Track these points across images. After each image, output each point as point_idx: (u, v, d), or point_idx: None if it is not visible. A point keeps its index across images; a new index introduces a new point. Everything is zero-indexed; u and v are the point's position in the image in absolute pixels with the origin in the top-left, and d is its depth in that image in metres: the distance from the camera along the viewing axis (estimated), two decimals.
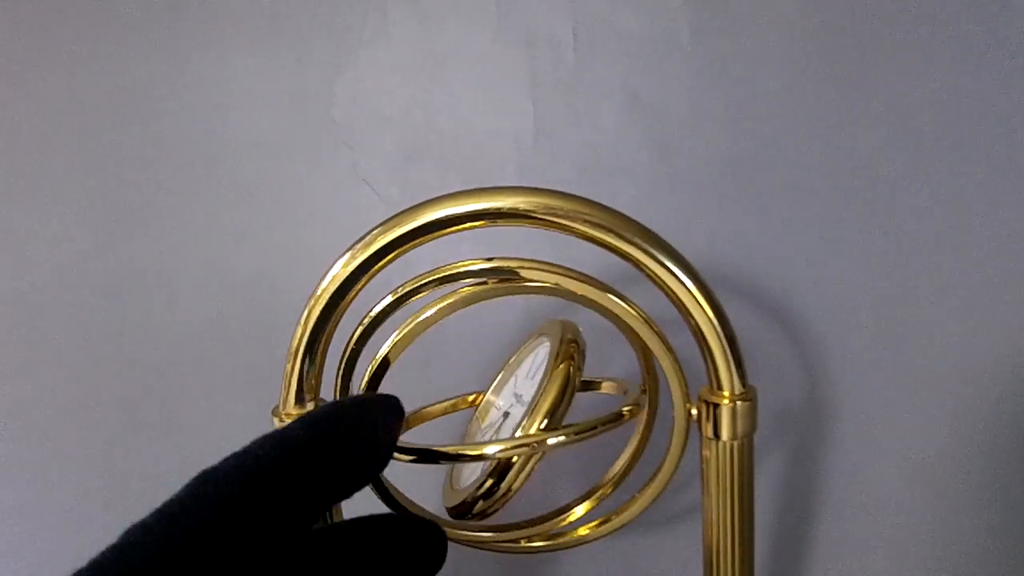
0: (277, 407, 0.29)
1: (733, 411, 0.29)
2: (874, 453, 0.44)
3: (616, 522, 0.33)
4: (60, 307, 0.49)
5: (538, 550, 0.34)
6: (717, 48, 0.43)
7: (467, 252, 0.44)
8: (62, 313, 0.49)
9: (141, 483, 0.49)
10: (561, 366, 0.31)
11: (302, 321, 0.29)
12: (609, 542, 0.45)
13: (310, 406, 0.29)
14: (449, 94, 0.46)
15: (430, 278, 0.29)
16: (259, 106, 0.47)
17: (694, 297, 0.27)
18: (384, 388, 0.30)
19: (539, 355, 0.34)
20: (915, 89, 0.42)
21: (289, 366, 0.29)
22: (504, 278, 0.29)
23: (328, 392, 0.30)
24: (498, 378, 0.38)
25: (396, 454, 0.27)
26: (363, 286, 0.29)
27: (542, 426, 0.29)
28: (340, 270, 0.29)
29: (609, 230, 0.27)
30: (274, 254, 0.47)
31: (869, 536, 0.45)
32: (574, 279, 0.29)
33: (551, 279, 0.29)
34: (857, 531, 0.45)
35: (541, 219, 0.27)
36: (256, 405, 0.42)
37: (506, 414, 0.33)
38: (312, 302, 0.29)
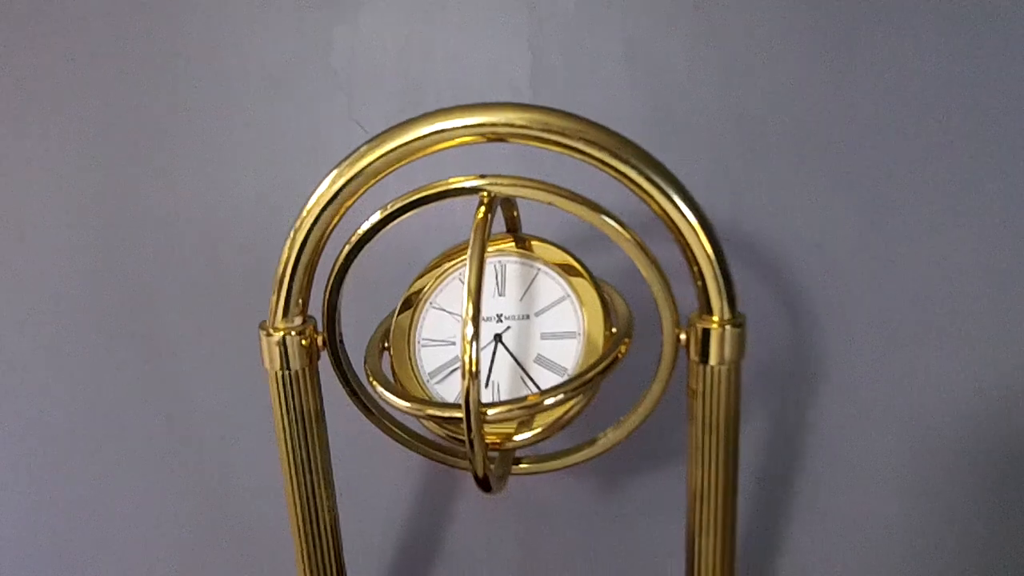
0: (265, 321, 0.29)
1: (722, 336, 0.28)
2: (860, 417, 0.43)
3: (600, 446, 0.33)
4: (55, 227, 0.48)
5: (523, 472, 0.35)
6: (717, 7, 0.42)
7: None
8: (56, 233, 0.48)
9: (129, 406, 0.49)
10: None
11: (291, 236, 0.29)
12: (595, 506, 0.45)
13: (297, 321, 0.29)
14: (447, 44, 0.45)
15: (421, 194, 0.29)
16: (259, 43, 0.46)
17: (686, 218, 0.27)
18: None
19: (525, 275, 0.33)
20: (908, 50, 0.41)
21: (277, 281, 0.29)
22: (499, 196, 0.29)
23: (316, 309, 0.30)
24: (431, 286, 0.34)
25: None
26: (352, 203, 0.29)
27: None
28: (327, 187, 0.28)
29: (604, 148, 0.27)
30: (266, 185, 0.47)
31: (851, 501, 0.44)
32: (567, 199, 0.28)
33: (546, 198, 0.28)
34: (839, 496, 0.44)
35: (536, 136, 0.27)
36: (246, 329, 0.42)
37: (497, 335, 0.32)
38: (302, 216, 0.28)
